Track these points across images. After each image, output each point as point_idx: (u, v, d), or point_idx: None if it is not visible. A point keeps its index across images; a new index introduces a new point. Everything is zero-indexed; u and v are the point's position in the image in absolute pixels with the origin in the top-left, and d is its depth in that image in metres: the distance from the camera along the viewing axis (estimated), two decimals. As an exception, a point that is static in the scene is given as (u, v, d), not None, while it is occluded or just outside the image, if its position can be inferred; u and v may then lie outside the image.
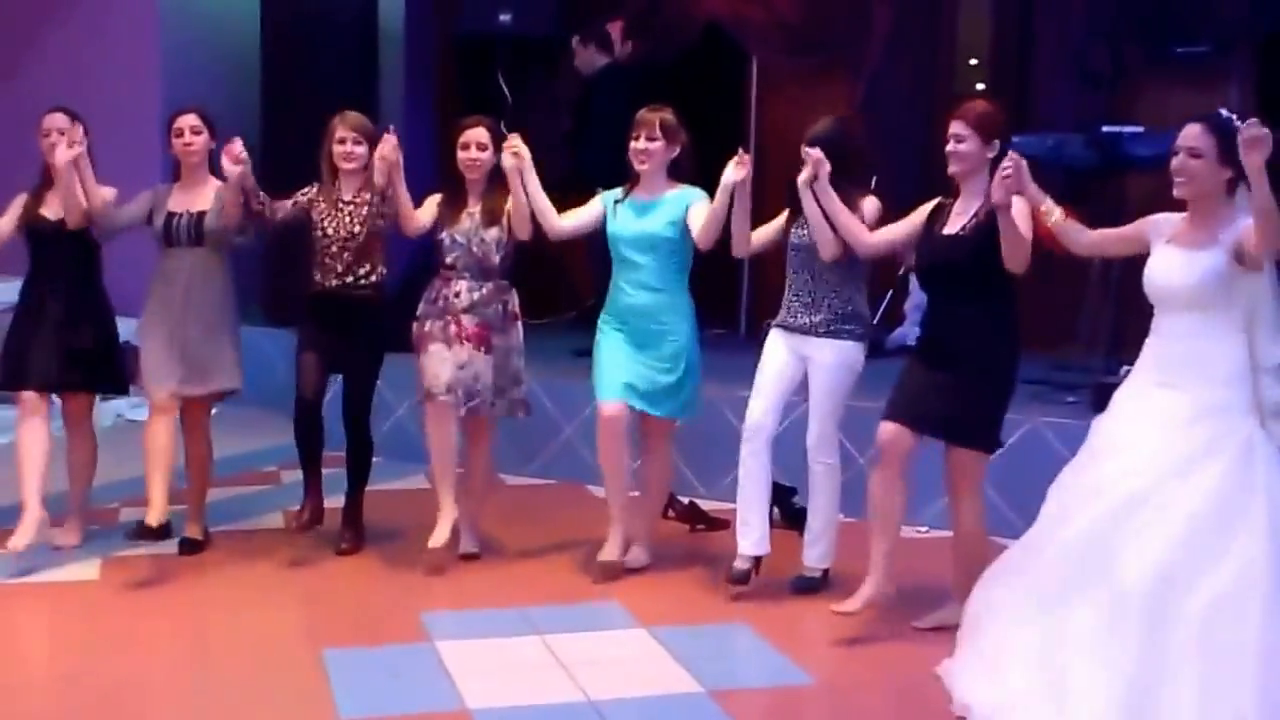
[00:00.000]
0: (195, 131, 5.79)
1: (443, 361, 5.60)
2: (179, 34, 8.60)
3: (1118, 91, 7.98)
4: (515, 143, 5.51)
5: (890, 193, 5.66)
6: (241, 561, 5.85)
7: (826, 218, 5.21)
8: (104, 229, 5.79)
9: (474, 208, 5.71)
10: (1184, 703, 3.88)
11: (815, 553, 5.51)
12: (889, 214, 5.32)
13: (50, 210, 5.75)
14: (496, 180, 5.66)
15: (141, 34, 8.54)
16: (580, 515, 6.45)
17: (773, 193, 5.73)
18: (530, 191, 5.56)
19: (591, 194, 5.85)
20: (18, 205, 5.81)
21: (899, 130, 8.32)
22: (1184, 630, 3.92)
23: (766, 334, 5.57)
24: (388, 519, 6.27)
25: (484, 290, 5.68)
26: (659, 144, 5.51)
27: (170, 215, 5.80)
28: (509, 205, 5.60)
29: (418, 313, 5.77)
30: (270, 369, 7.31)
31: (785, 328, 5.46)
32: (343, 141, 5.74)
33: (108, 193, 5.79)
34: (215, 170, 5.82)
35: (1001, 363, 4.88)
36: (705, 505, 6.54)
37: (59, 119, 5.74)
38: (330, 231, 5.74)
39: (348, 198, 5.76)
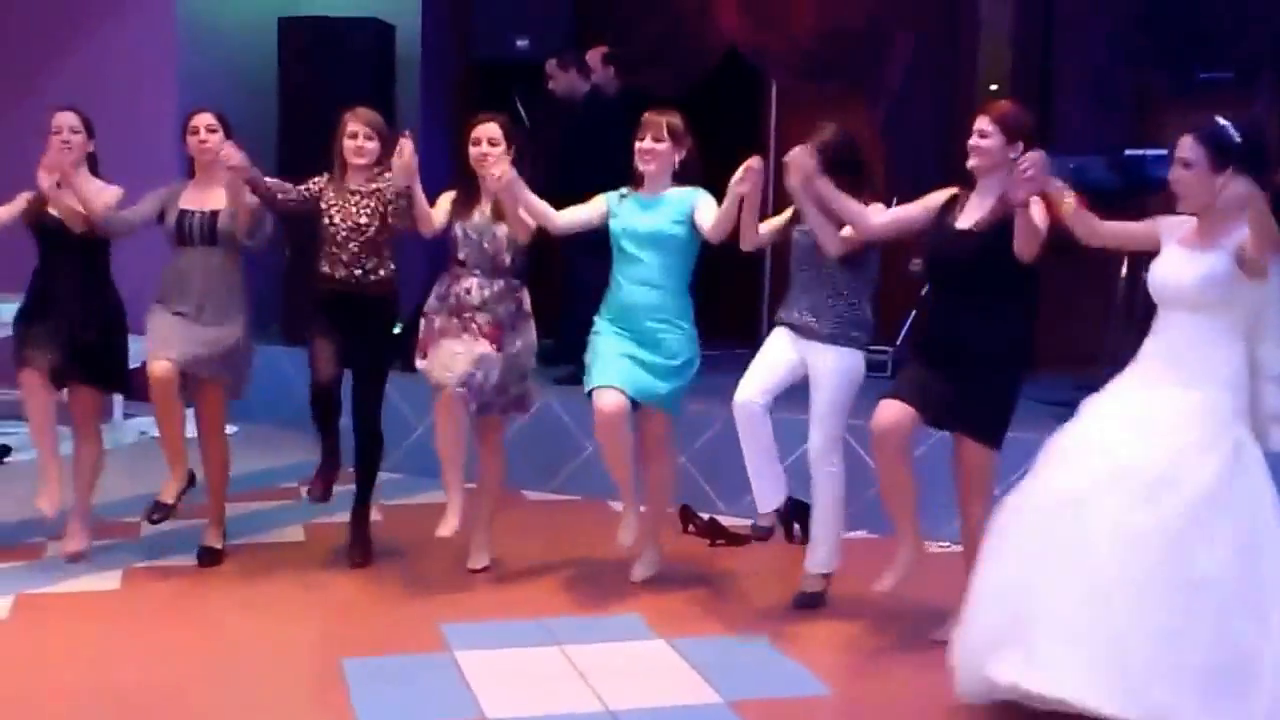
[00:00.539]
0: (211, 130, 5.78)
1: (454, 355, 5.55)
2: (196, 56, 8.74)
3: (1141, 116, 8.00)
4: (502, 167, 5.43)
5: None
6: (261, 573, 5.86)
7: (826, 217, 5.15)
8: (110, 232, 5.77)
9: (486, 204, 5.69)
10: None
11: (817, 558, 5.46)
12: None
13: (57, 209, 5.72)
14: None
15: (158, 51, 8.69)
16: (601, 530, 6.41)
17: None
18: (524, 202, 5.51)
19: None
20: (21, 200, 5.77)
21: (919, 155, 8.34)
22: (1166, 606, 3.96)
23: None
24: (406, 533, 6.28)
25: (495, 288, 5.65)
26: (665, 145, 5.48)
27: (183, 213, 5.77)
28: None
29: (425, 308, 5.74)
30: (289, 388, 7.31)
31: (791, 326, 5.39)
32: (354, 136, 5.71)
33: (111, 195, 5.76)
34: None
35: (1005, 364, 4.82)
36: (725, 521, 6.55)
37: (70, 118, 5.74)
38: (338, 220, 5.70)
39: (356, 189, 5.72)
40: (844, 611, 5.41)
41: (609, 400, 5.41)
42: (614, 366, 5.45)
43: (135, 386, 6.07)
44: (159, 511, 5.71)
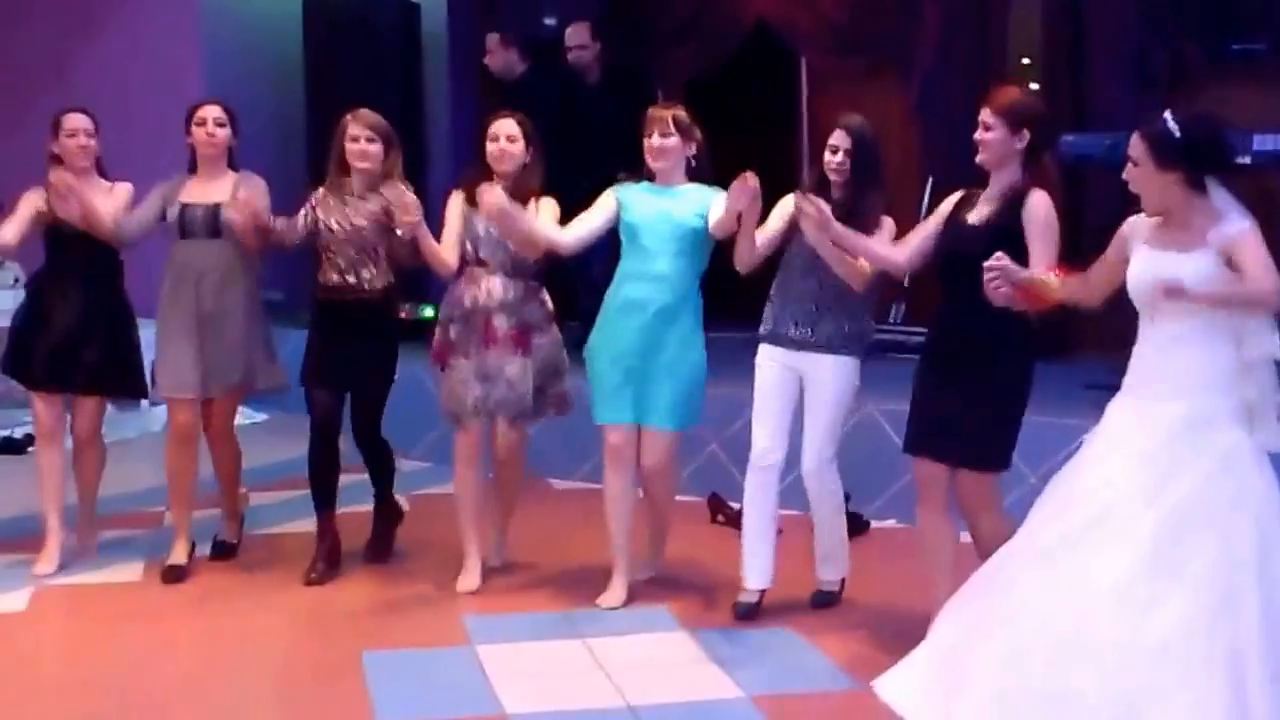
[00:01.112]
0: (219, 124, 5.64)
1: (464, 383, 5.42)
2: (221, 42, 8.69)
3: (1175, 90, 7.83)
4: (489, 196, 5.12)
5: (944, 193, 5.47)
6: (284, 563, 5.83)
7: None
8: (123, 243, 5.67)
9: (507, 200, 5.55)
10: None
11: (828, 570, 5.38)
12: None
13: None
14: (526, 173, 5.49)
15: (183, 38, 8.64)
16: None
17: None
18: (523, 232, 5.27)
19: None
20: (28, 205, 5.61)
21: (952, 130, 8.20)
22: (1151, 645, 3.76)
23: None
24: (431, 524, 6.23)
25: (519, 290, 5.46)
26: (674, 139, 5.24)
27: (185, 206, 5.62)
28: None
29: (439, 317, 5.57)
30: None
31: (777, 341, 5.22)
32: (355, 139, 5.52)
33: (121, 197, 5.67)
34: (234, 165, 5.73)
35: (1010, 374, 4.65)
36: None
37: (84, 120, 5.65)
38: (334, 226, 5.51)
39: (356, 194, 5.55)
40: (868, 605, 5.33)
41: (617, 437, 5.33)
42: (620, 396, 5.30)
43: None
44: (172, 574, 5.65)
